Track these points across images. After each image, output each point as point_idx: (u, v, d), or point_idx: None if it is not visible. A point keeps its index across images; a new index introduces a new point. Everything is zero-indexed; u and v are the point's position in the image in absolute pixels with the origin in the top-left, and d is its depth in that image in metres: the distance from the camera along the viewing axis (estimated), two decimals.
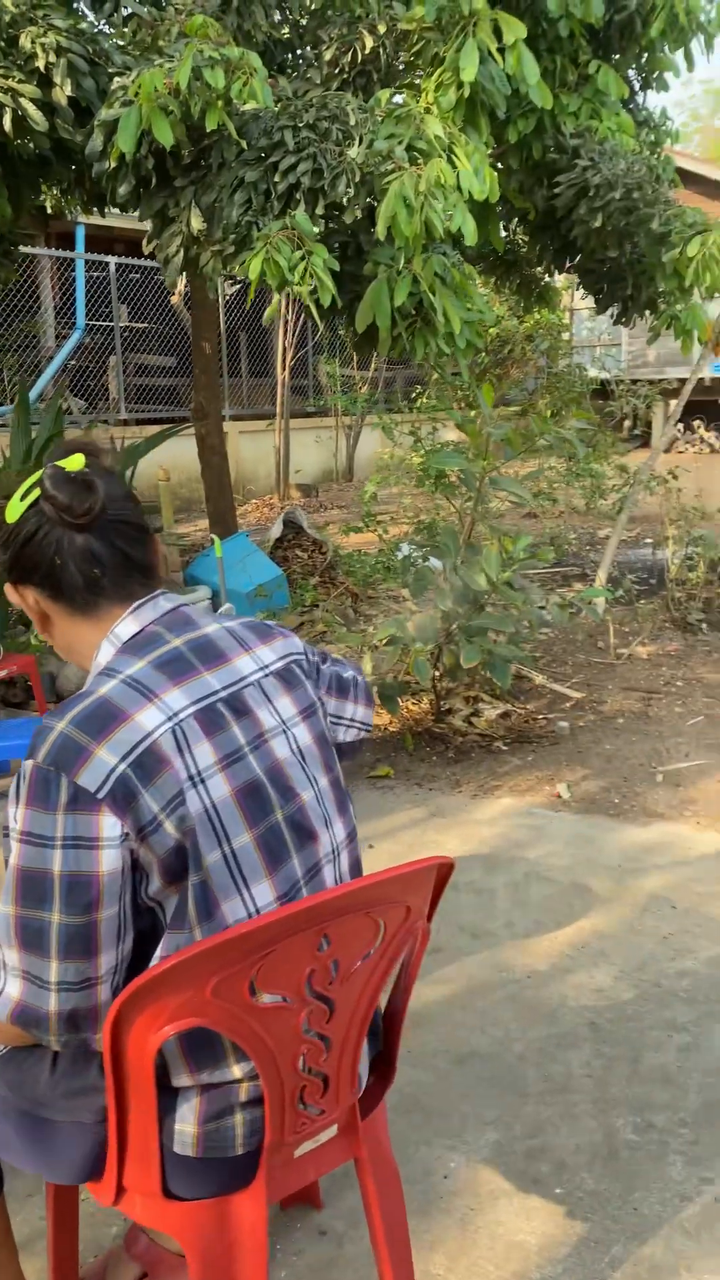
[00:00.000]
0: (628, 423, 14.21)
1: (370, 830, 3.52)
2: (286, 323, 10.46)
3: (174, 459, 9.28)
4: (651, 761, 4.10)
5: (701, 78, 39.18)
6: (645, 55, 5.21)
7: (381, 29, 3.90)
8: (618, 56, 5.15)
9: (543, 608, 4.18)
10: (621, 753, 4.19)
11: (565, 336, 14.44)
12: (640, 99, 5.77)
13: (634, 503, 7.05)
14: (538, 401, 11.17)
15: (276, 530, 6.33)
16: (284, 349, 10.67)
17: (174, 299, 10.83)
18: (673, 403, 15.88)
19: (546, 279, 7.06)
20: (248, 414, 12.14)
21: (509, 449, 3.87)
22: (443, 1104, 2.20)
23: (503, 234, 6.54)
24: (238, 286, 11.52)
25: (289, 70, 4.18)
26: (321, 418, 12.38)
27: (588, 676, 5.16)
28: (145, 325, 11.34)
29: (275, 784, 1.30)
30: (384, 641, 3.83)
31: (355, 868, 1.43)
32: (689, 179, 13.90)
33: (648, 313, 5.11)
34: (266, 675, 1.37)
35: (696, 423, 15.07)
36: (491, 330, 11.34)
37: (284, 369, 10.68)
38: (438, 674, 4.16)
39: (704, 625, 5.89)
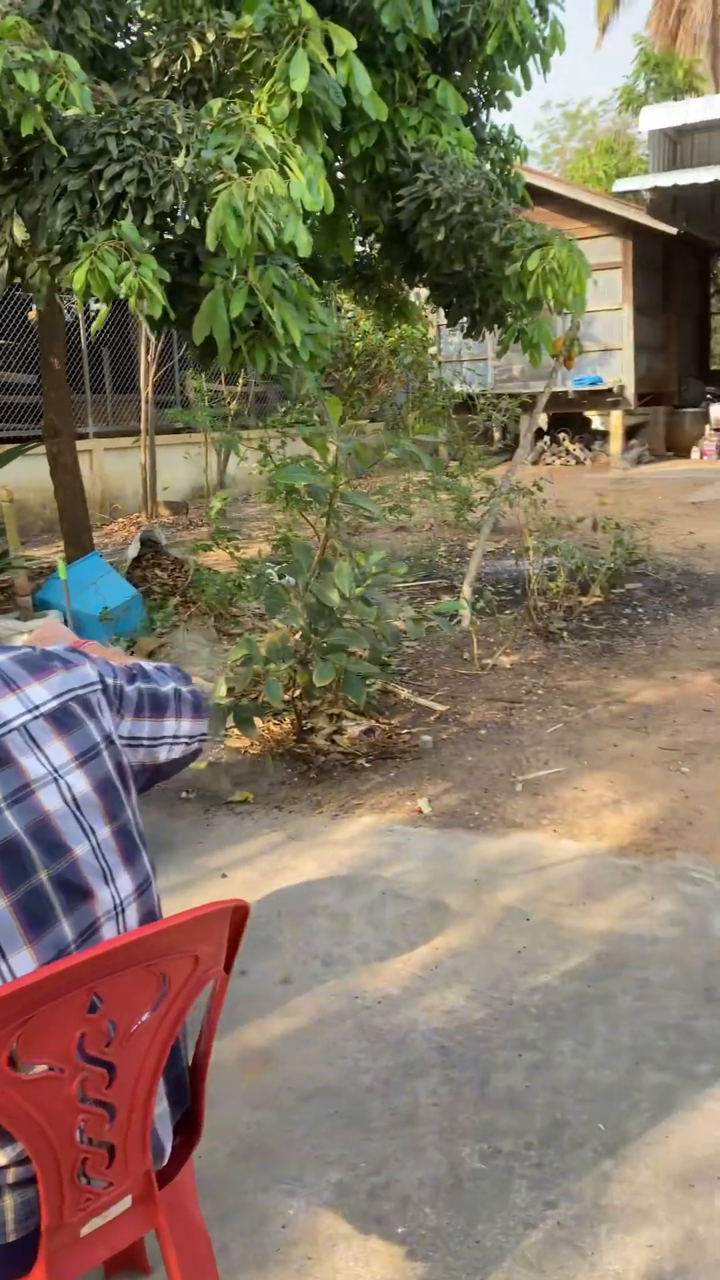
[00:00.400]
0: (497, 435, 14.50)
1: (226, 858, 3.41)
2: (149, 338, 10.27)
3: (36, 479, 8.98)
4: (512, 771, 4.10)
5: (559, 101, 40.53)
6: (486, 73, 5.29)
7: (210, 37, 3.82)
8: (459, 74, 5.21)
9: (415, 622, 4.15)
10: (483, 764, 4.18)
11: (433, 351, 14.64)
12: (484, 116, 5.85)
13: (498, 514, 7.13)
14: (408, 416, 11.26)
15: (133, 550, 6.16)
16: (147, 364, 10.47)
17: (31, 315, 10.51)
18: (542, 415, 16.26)
19: (405, 294, 7.10)
20: (113, 431, 11.86)
21: (358, 463, 3.83)
22: (285, 1145, 2.11)
23: (361, 248, 6.55)
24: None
25: (118, 78, 4.07)
26: (191, 434, 12.20)
27: (453, 688, 5.16)
28: (2, 342, 10.98)
29: (40, 841, 1.19)
30: (238, 662, 3.73)
31: (148, 921, 1.33)
32: (545, 197, 14.29)
33: (497, 326, 5.16)
34: (35, 718, 1.25)
35: (562, 435, 15.48)
36: (358, 345, 11.40)
37: (147, 385, 10.47)
38: (296, 693, 4.08)
39: (565, 634, 5.97)
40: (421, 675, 5.40)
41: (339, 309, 12.15)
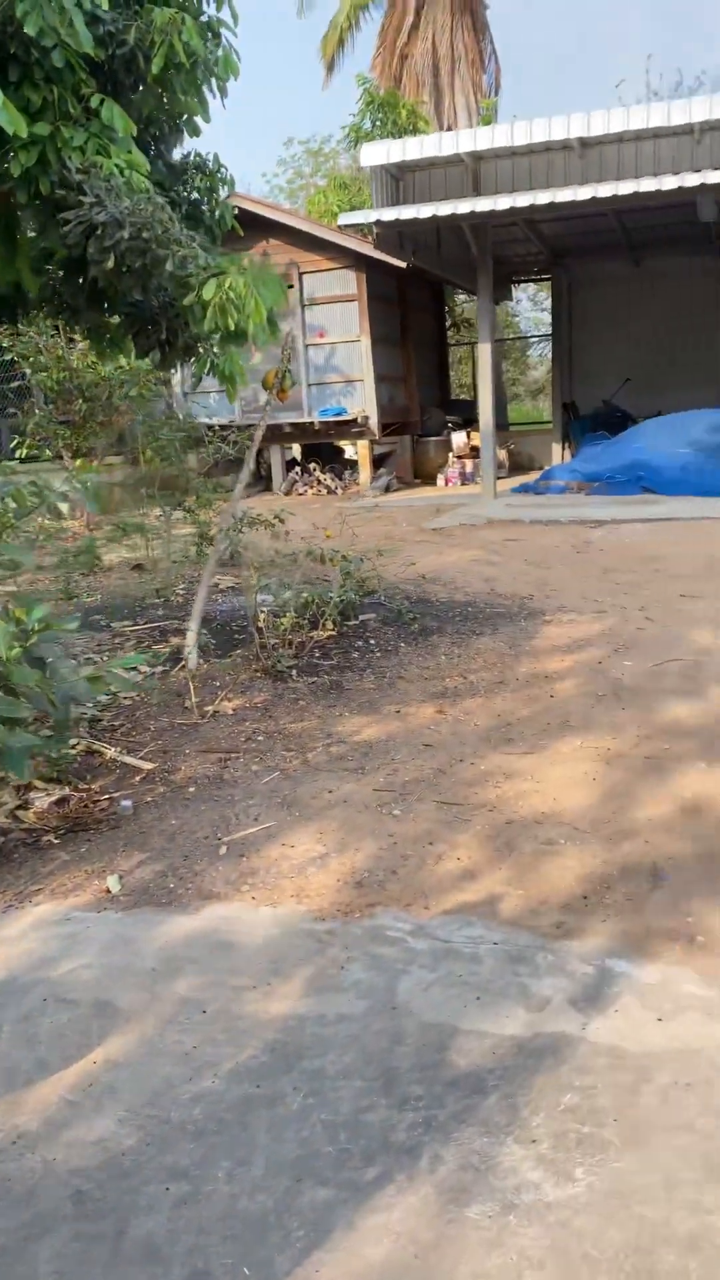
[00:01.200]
0: (252, 467, 14.32)
1: None
2: None
3: None
4: (218, 832, 3.82)
5: (301, 138, 41.39)
6: (166, 97, 5.05)
7: None
8: (135, 96, 4.95)
9: (92, 681, 3.79)
10: (187, 826, 3.87)
11: (175, 380, 14.32)
12: (173, 142, 5.62)
13: (234, 548, 6.89)
14: (142, 450, 10.86)
15: None
16: None
17: None
18: (295, 446, 16.23)
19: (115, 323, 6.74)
20: None
21: (19, 509, 3.45)
22: None
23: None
24: None
25: None
26: None
27: (166, 742, 4.83)
28: None
29: None
30: None
31: None
32: (280, 229, 14.36)
33: (190, 358, 4.92)
34: None
35: (313, 465, 15.54)
36: (87, 376, 10.91)
37: None
38: None
39: (294, 672, 5.77)
40: (136, 729, 5.03)
41: (70, 341, 11.62)
